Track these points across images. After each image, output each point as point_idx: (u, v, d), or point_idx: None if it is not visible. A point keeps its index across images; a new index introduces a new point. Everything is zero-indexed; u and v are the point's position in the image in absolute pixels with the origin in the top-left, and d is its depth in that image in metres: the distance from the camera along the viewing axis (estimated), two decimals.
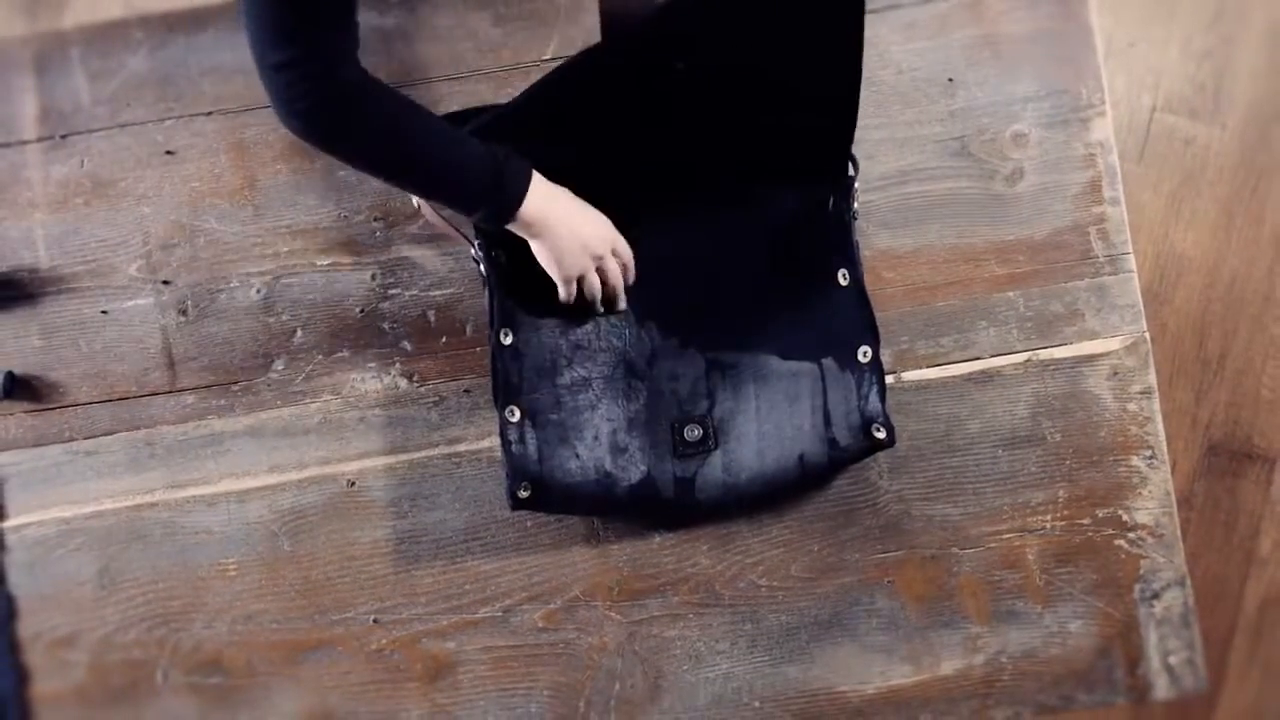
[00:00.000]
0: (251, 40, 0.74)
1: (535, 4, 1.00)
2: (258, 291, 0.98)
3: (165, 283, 0.98)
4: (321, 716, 0.97)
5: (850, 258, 0.93)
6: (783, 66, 0.87)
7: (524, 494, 0.91)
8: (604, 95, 0.88)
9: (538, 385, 0.92)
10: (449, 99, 0.98)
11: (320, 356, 0.98)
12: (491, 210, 0.83)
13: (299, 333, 0.98)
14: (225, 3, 1.00)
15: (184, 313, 0.98)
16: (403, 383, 0.97)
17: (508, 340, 0.91)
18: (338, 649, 0.97)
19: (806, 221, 0.93)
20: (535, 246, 0.87)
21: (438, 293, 0.97)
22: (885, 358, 0.95)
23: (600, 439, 0.92)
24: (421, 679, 0.96)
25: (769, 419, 0.92)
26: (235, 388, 0.97)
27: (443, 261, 0.98)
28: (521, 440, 0.91)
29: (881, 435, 0.91)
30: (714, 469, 0.92)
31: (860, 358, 0.92)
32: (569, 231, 0.86)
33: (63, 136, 0.99)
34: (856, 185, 0.94)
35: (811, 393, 0.92)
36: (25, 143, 0.99)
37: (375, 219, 0.98)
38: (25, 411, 0.98)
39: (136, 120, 0.99)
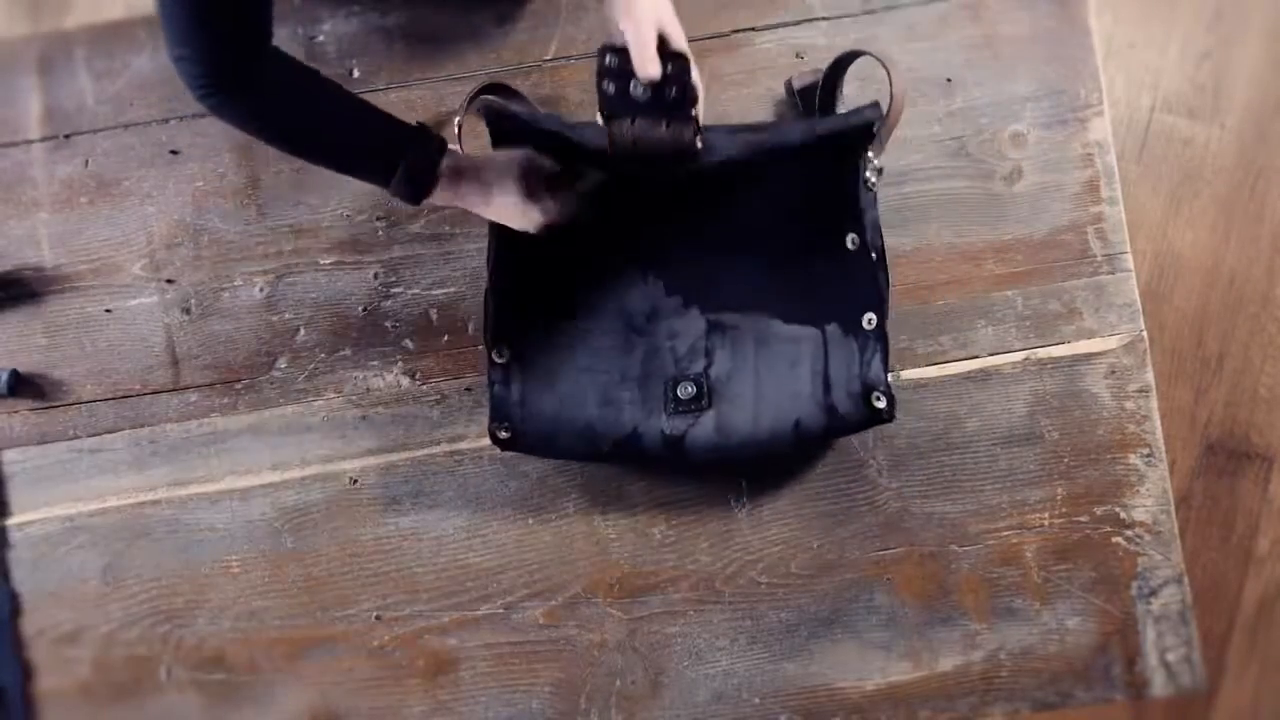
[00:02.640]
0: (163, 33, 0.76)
1: (537, 4, 1.00)
2: (261, 290, 0.98)
3: (169, 281, 0.99)
4: (324, 712, 0.97)
5: (860, 223, 0.90)
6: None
7: (503, 435, 0.91)
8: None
9: (529, 330, 0.92)
10: (451, 99, 0.99)
11: (323, 355, 0.98)
12: (403, 189, 0.84)
13: (301, 331, 0.98)
14: None
15: (187, 311, 0.98)
16: (405, 381, 0.98)
17: (503, 284, 0.91)
18: (340, 645, 0.97)
19: (816, 185, 0.90)
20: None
21: (439, 291, 0.98)
22: None
23: (588, 389, 0.91)
24: (423, 675, 0.97)
25: (767, 382, 0.91)
26: (238, 386, 0.98)
27: (445, 260, 0.98)
28: (506, 382, 0.91)
29: (881, 404, 0.89)
30: (705, 429, 0.91)
31: (865, 324, 0.90)
32: (493, 206, 0.86)
33: (67, 136, 1.00)
34: (871, 156, 0.89)
35: (813, 358, 0.91)
36: (30, 142, 1.00)
37: (377, 218, 0.98)
38: (30, 409, 0.98)
39: (140, 120, 1.00)
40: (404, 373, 0.98)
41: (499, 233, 0.89)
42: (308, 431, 0.98)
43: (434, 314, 0.98)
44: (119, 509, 0.98)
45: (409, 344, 0.98)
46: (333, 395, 0.98)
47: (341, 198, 0.99)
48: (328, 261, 0.98)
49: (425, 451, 0.97)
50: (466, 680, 0.97)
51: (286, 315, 0.98)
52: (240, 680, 0.97)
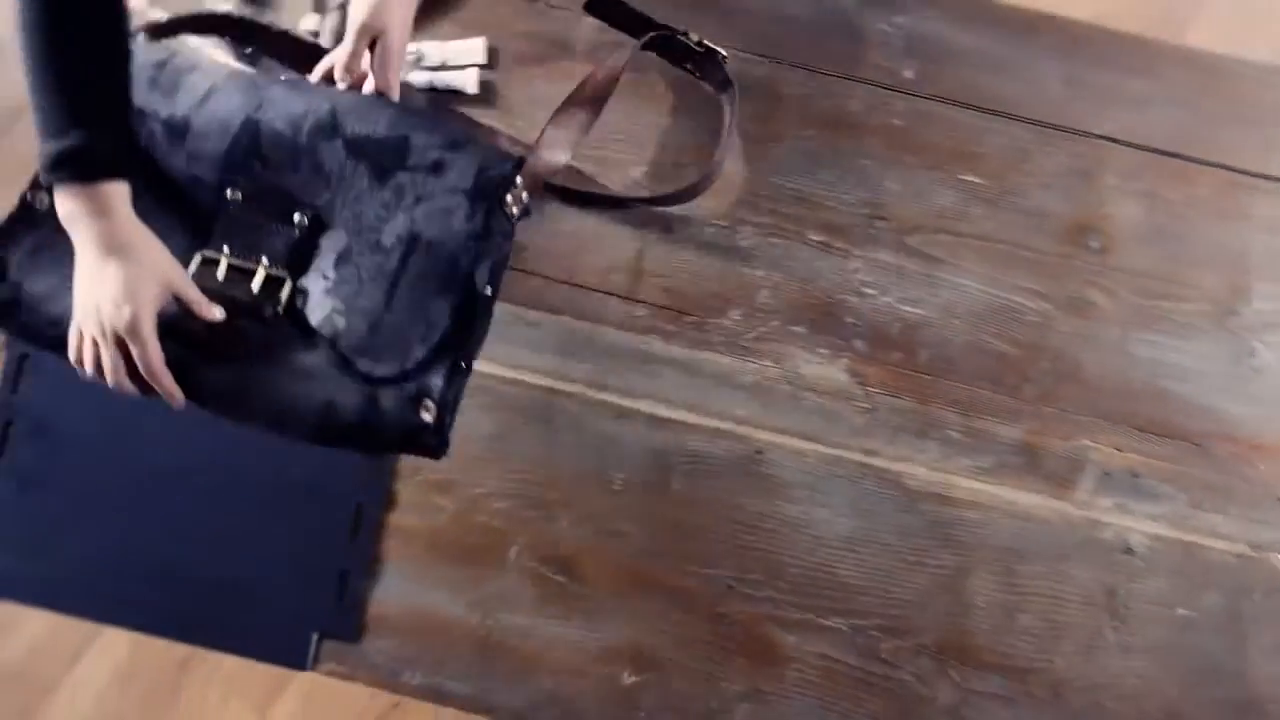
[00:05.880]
0: None
1: None
2: (744, 240, 0.99)
3: None
4: (644, 652, 0.97)
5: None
6: None
7: None
8: None
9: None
10: None
11: (776, 322, 0.98)
12: (55, 163, 0.72)
13: (765, 293, 0.99)
14: None
15: (669, 230, 0.99)
16: (843, 377, 0.98)
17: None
18: (684, 598, 0.97)
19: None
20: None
21: (910, 310, 0.98)
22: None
23: None
24: (751, 658, 0.97)
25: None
26: (688, 319, 0.99)
27: (927, 282, 0.98)
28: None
29: (428, 417, 0.77)
30: (221, 373, 0.77)
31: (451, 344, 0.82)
32: (88, 278, 0.74)
33: None
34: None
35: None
36: None
37: (879, 218, 0.99)
38: None
39: None
40: (846, 370, 0.98)
41: None
42: (735, 389, 0.98)
43: (896, 328, 0.98)
44: (531, 386, 0.99)
45: (861, 346, 0.98)
46: (769, 364, 0.98)
47: (850, 186, 0.99)
48: (816, 239, 0.99)
49: (837, 452, 0.97)
50: (790, 680, 0.97)
51: (758, 273, 0.99)
52: (579, 591, 0.98)
